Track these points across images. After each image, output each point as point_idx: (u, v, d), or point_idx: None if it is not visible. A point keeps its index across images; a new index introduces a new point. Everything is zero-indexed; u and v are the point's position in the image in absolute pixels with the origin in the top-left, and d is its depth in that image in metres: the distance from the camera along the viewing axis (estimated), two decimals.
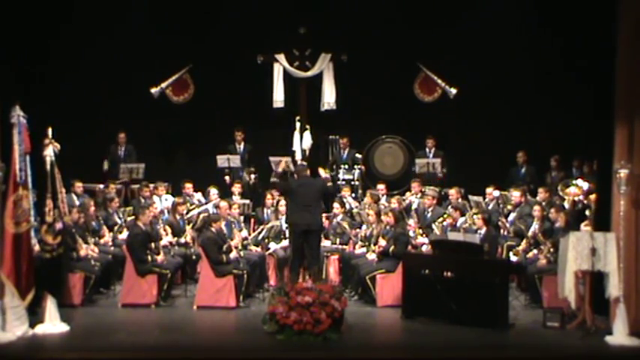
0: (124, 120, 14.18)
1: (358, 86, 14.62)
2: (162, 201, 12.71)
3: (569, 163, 13.42)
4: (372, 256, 10.91)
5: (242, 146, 14.29)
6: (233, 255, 10.64)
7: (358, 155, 14.38)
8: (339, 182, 13.99)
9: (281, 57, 14.61)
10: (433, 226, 11.95)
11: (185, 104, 14.81)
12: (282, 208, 11.87)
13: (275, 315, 8.91)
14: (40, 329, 9.05)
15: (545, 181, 13.47)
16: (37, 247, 9.41)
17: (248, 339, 9.12)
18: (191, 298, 10.66)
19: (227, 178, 13.86)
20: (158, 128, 14.94)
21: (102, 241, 11.43)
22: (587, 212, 10.84)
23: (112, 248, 11.48)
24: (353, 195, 13.48)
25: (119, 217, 12.22)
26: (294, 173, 12.68)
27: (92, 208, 11.55)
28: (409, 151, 14.83)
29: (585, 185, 11.66)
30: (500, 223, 11.98)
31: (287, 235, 11.52)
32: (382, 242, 10.81)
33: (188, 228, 11.86)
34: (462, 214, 11.90)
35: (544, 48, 13.69)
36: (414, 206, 12.79)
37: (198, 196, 13.09)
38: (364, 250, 11.32)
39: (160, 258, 10.69)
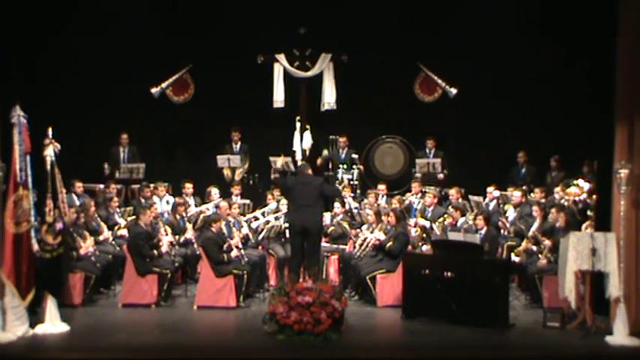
0: (124, 120, 14.19)
1: (358, 86, 14.61)
2: (164, 204, 12.70)
3: (569, 163, 13.39)
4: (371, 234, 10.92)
5: (238, 146, 14.31)
6: (234, 254, 10.65)
7: (355, 155, 14.38)
8: (337, 182, 14.01)
9: (281, 57, 14.61)
10: (433, 226, 11.96)
11: (185, 104, 14.82)
12: (283, 207, 11.87)
13: (275, 315, 8.91)
14: (40, 329, 9.06)
15: (545, 181, 13.47)
16: (37, 247, 9.40)
17: (248, 339, 9.12)
18: (191, 298, 10.66)
19: (227, 173, 13.88)
20: (158, 128, 14.94)
21: (101, 237, 11.41)
22: (589, 212, 10.85)
23: (113, 243, 11.48)
24: (352, 195, 13.47)
25: (119, 217, 12.21)
26: (294, 173, 12.61)
27: (92, 208, 11.54)
28: (409, 151, 14.83)
29: (586, 185, 11.66)
30: (500, 223, 11.98)
31: (287, 234, 11.54)
32: (382, 236, 10.81)
33: (189, 226, 11.86)
34: (462, 214, 11.90)
35: (544, 48, 13.68)
36: (415, 206, 12.79)
37: (197, 199, 13.05)
38: (369, 234, 11.21)
39: (164, 249, 10.74)
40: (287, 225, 11.37)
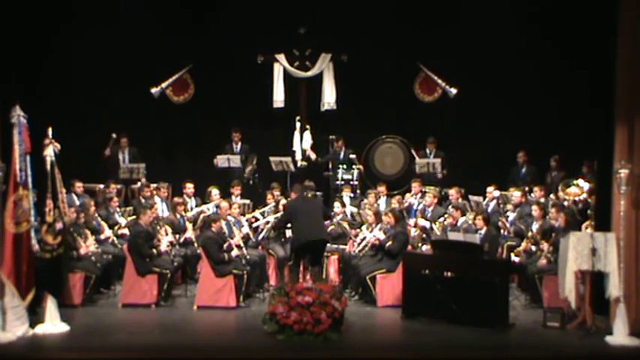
0: (124, 120, 14.20)
1: (358, 86, 14.62)
2: (163, 207, 12.69)
3: (569, 163, 13.39)
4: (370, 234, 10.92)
5: (239, 146, 14.31)
6: (234, 253, 10.65)
7: (352, 156, 14.38)
8: (337, 182, 14.02)
9: (281, 57, 14.62)
10: (433, 226, 11.95)
11: (185, 104, 14.82)
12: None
13: (275, 315, 8.91)
14: (40, 329, 9.06)
15: (545, 181, 13.47)
16: (37, 247, 9.40)
17: (248, 339, 9.12)
18: (191, 298, 10.66)
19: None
20: (158, 128, 14.95)
21: (102, 236, 11.40)
22: (589, 212, 10.84)
23: (115, 241, 11.48)
24: (352, 195, 13.46)
25: (119, 216, 12.21)
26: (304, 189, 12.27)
27: (92, 208, 11.54)
28: (409, 151, 14.83)
29: (586, 185, 11.66)
30: (500, 223, 11.98)
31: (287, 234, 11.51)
32: (381, 235, 10.81)
33: (189, 226, 11.86)
34: (462, 214, 11.90)
35: (544, 48, 13.69)
36: (415, 207, 12.78)
37: (195, 201, 13.05)
38: (368, 234, 11.18)
39: (163, 248, 10.75)
40: (295, 245, 11.00)
